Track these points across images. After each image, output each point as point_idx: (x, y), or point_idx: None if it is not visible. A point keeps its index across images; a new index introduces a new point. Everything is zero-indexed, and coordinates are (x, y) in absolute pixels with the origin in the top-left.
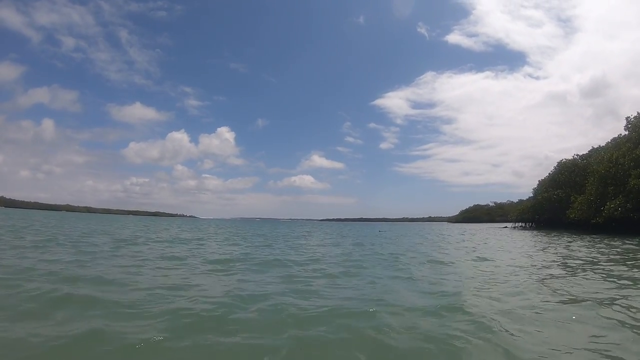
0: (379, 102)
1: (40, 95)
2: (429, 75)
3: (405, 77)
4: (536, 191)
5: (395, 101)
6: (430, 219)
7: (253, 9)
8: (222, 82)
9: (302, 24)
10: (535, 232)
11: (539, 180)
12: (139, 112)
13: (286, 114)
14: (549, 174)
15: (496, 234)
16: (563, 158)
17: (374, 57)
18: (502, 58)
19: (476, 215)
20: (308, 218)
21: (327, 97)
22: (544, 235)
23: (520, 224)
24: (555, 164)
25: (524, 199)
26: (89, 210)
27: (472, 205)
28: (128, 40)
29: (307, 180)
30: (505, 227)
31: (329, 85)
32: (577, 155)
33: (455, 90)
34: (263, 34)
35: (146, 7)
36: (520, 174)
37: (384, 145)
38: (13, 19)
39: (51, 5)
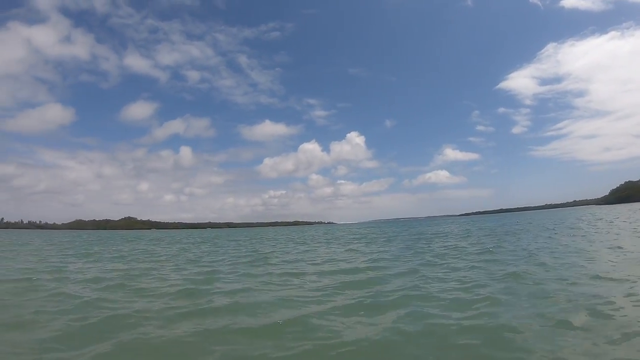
0: (503, 84)
1: (175, 126)
2: (550, 48)
3: (525, 53)
4: None
5: (521, 81)
6: (575, 204)
7: (361, 13)
8: (344, 88)
9: (412, 19)
10: None
11: None
12: (269, 129)
13: (412, 111)
14: None
15: None
16: None
17: (489, 39)
18: (625, 13)
19: (630, 194)
20: (446, 214)
21: (450, 88)
22: None
23: None
24: None
25: None
26: (229, 225)
27: (623, 183)
28: (248, 65)
29: (442, 175)
30: None
31: (450, 76)
32: None
33: (581, 59)
34: (376, 35)
35: (259, 31)
36: None
37: (516, 130)
38: (139, 63)
39: (171, 46)
